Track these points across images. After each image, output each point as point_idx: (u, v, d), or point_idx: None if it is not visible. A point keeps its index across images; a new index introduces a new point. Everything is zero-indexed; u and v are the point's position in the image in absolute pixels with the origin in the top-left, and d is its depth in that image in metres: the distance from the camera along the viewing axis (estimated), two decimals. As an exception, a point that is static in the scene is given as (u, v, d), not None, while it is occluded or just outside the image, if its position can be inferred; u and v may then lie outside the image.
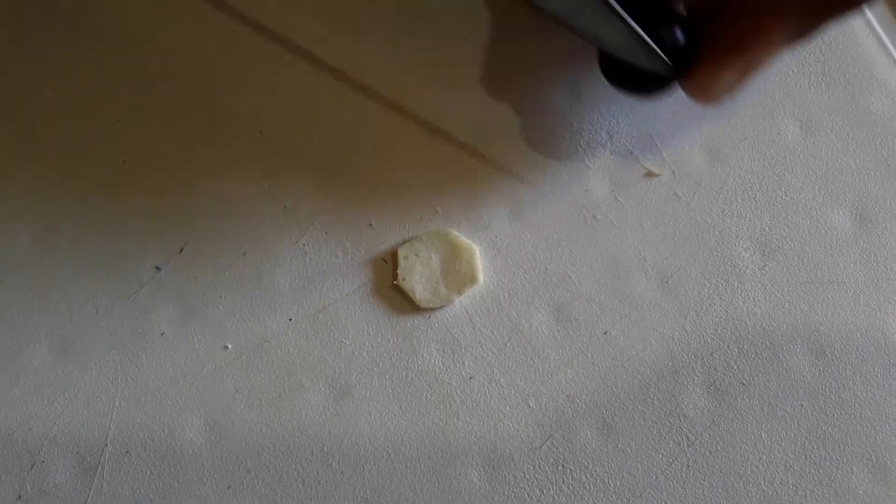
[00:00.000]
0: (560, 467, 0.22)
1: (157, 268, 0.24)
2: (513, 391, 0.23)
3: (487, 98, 0.26)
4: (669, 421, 0.23)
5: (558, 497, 0.22)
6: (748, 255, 0.25)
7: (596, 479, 0.22)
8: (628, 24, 0.21)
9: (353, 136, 0.26)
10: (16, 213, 0.25)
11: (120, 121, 0.26)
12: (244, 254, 0.24)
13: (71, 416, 0.22)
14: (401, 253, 0.24)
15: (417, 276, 0.24)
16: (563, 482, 0.22)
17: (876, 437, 0.23)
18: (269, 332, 0.23)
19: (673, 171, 0.26)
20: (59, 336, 0.23)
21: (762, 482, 0.22)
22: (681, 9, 0.23)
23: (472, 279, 0.24)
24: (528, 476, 0.22)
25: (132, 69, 0.26)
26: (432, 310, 0.24)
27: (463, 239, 0.24)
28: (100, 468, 0.22)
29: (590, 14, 0.21)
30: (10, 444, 0.22)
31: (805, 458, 0.23)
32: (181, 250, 0.24)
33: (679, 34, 0.22)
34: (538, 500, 0.22)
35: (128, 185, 0.25)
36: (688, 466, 0.22)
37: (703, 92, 0.24)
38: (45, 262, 0.24)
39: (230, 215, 0.24)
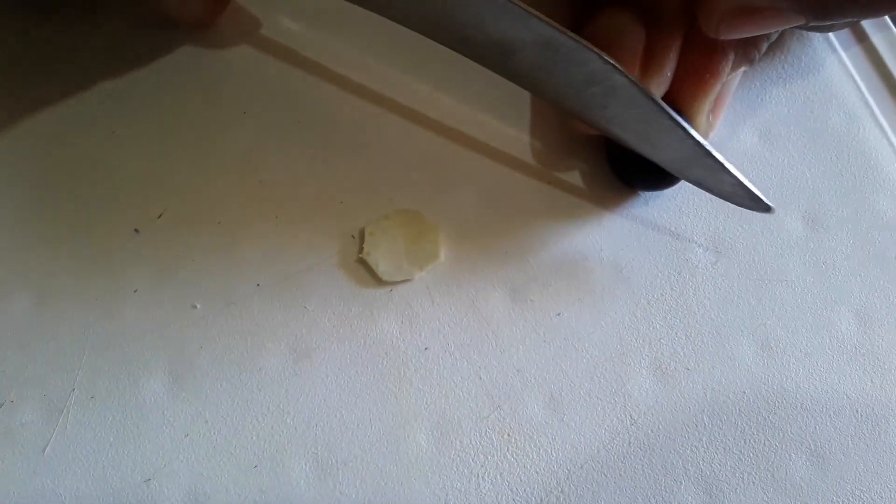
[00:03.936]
0: (506, 436, 0.23)
1: (136, 230, 0.25)
2: (465, 363, 0.24)
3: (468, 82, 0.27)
4: (614, 399, 0.24)
5: (502, 463, 0.23)
6: (701, 250, 0.26)
7: (539, 449, 0.23)
8: (697, 140, 0.22)
9: (331, 119, 0.27)
10: (8, 177, 0.26)
11: (110, 97, 0.27)
12: (219, 222, 0.25)
13: (42, 362, 0.23)
14: (367, 229, 0.25)
15: (382, 252, 0.25)
16: (507, 450, 0.23)
17: (815, 427, 0.24)
18: (236, 296, 0.24)
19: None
20: (38, 288, 0.24)
21: (701, 462, 0.23)
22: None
23: (434, 256, 0.25)
24: (474, 442, 0.23)
25: (120, 53, 0.28)
26: (394, 283, 0.25)
27: (427, 218, 0.26)
28: (65, 411, 0.23)
29: (657, 130, 0.22)
30: (-18, 384, 0.23)
31: (744, 443, 0.23)
32: (160, 216, 0.25)
33: None
34: (482, 465, 0.23)
35: (115, 155, 0.26)
36: (629, 443, 0.23)
37: None
38: (31, 222, 0.25)
39: (208, 186, 0.26)
